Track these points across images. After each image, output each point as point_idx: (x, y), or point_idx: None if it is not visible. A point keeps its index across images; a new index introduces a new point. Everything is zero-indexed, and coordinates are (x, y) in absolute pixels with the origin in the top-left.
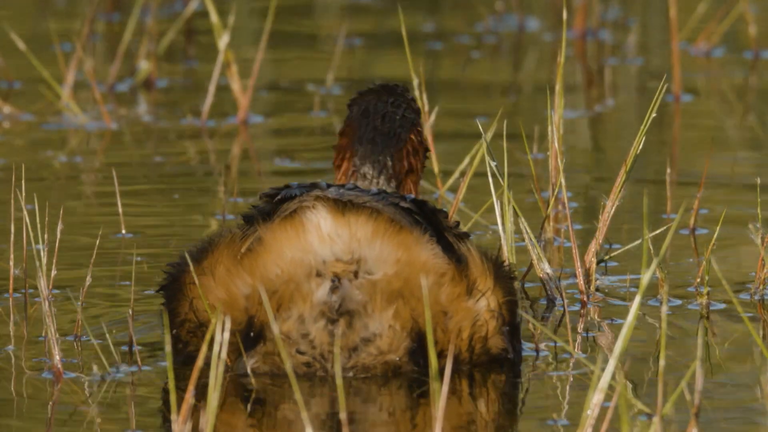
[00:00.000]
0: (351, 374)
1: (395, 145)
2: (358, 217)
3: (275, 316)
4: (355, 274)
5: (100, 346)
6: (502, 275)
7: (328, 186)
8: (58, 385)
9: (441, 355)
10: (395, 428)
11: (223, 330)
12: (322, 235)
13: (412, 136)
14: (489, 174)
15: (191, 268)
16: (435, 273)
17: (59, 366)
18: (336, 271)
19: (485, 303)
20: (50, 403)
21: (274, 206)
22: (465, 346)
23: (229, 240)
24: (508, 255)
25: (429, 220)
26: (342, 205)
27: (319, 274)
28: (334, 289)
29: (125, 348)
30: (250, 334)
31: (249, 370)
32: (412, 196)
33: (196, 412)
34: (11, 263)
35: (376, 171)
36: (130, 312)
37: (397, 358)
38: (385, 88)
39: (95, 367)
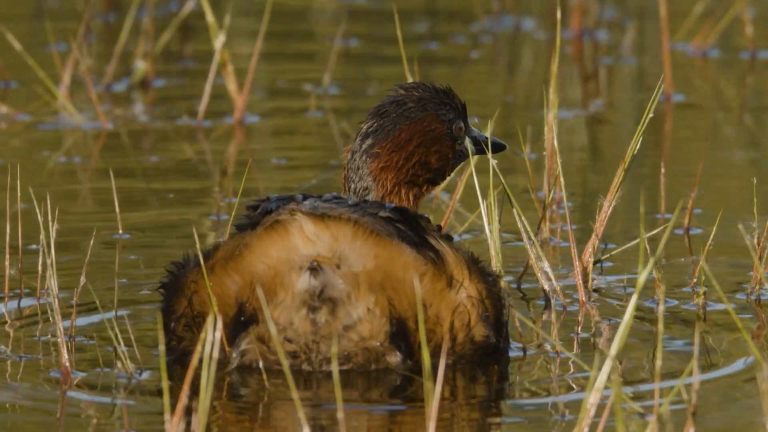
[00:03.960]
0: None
1: (379, 141)
2: (338, 223)
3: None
4: (338, 266)
5: (93, 346)
6: (478, 269)
7: (305, 198)
8: (66, 385)
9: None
10: (391, 427)
11: (214, 329)
12: (305, 236)
13: (402, 134)
14: (474, 175)
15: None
16: (414, 272)
17: (67, 365)
18: (318, 260)
19: (464, 293)
20: (59, 401)
21: (259, 217)
22: (447, 335)
23: (224, 247)
24: (496, 255)
25: (410, 225)
26: (321, 215)
27: (302, 268)
28: (314, 274)
29: (122, 348)
30: (241, 319)
31: (243, 347)
32: (393, 204)
33: (191, 411)
34: (7, 263)
35: (359, 164)
36: (115, 313)
37: (378, 344)
38: (414, 86)
39: (95, 367)
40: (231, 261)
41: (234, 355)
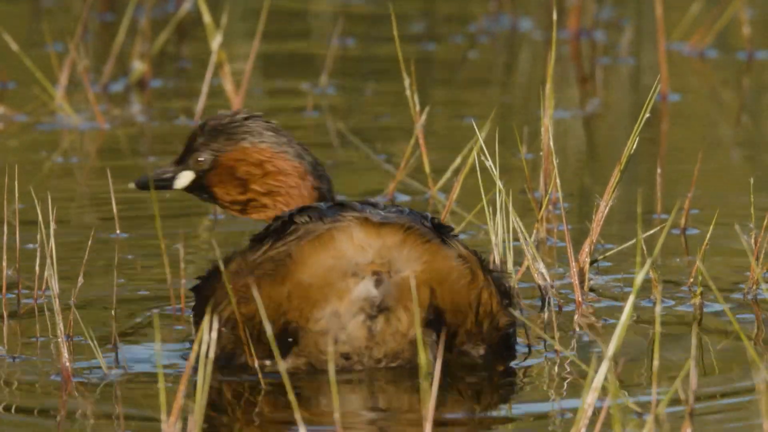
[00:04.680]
0: (383, 364)
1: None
2: (389, 229)
3: (309, 316)
4: (389, 274)
5: (91, 346)
6: (489, 268)
7: (362, 205)
8: (66, 388)
9: (456, 334)
10: (388, 428)
11: (210, 329)
12: (354, 244)
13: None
14: (478, 173)
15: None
16: (459, 275)
17: (67, 366)
18: (375, 269)
19: (487, 287)
20: (59, 402)
21: (286, 225)
22: (473, 322)
23: (273, 250)
24: (500, 255)
25: (439, 234)
26: (379, 222)
27: (354, 274)
28: (377, 284)
29: (117, 348)
30: (288, 339)
31: (287, 366)
32: (429, 214)
33: (187, 412)
34: (4, 264)
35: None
36: (113, 313)
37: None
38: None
39: (92, 368)
40: (282, 266)
41: (273, 365)
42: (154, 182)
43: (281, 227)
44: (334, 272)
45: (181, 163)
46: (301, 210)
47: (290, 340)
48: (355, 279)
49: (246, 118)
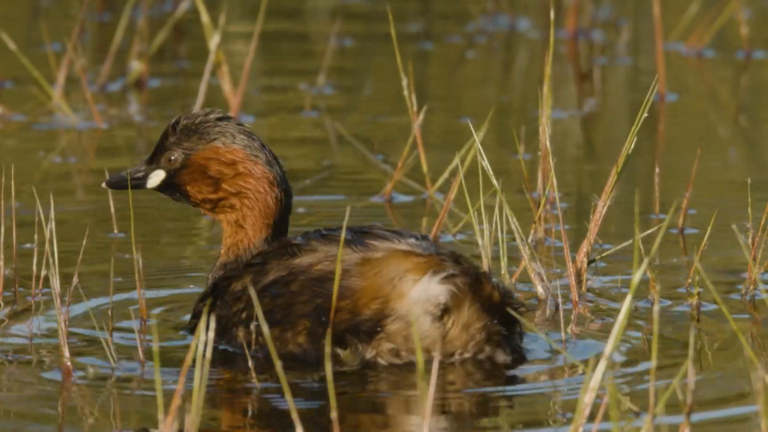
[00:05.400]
0: (457, 357)
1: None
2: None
3: (388, 314)
4: (444, 275)
5: (91, 345)
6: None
7: (387, 231)
8: (67, 384)
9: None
10: (386, 428)
11: (207, 329)
12: (398, 254)
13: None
14: (461, 177)
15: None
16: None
17: (69, 364)
18: (433, 268)
19: (487, 282)
20: (59, 401)
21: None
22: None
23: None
24: (488, 258)
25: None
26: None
27: (401, 278)
28: (448, 278)
29: (113, 348)
30: (365, 329)
31: (367, 356)
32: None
33: (184, 411)
34: (1, 263)
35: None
36: (110, 312)
37: (493, 321)
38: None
39: (90, 367)
40: (344, 279)
41: (356, 356)
42: (126, 182)
43: (292, 251)
44: (380, 277)
45: (153, 162)
46: (319, 235)
47: (365, 330)
48: (412, 280)
49: (219, 119)
